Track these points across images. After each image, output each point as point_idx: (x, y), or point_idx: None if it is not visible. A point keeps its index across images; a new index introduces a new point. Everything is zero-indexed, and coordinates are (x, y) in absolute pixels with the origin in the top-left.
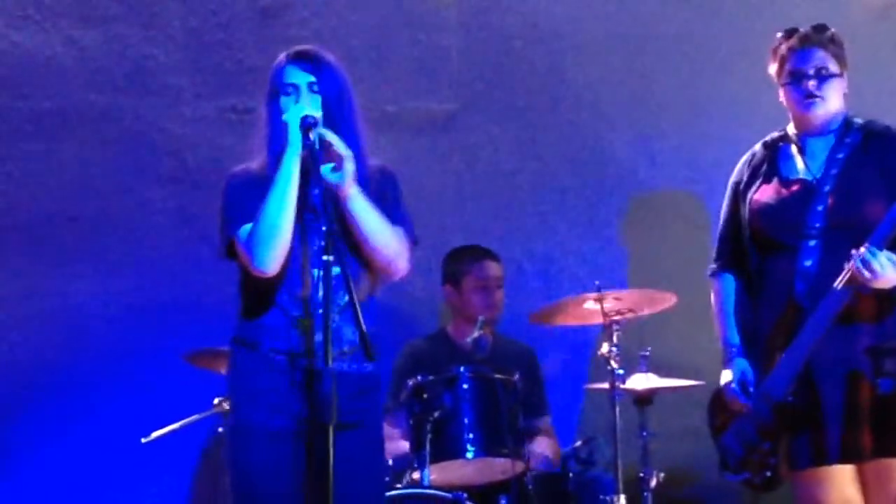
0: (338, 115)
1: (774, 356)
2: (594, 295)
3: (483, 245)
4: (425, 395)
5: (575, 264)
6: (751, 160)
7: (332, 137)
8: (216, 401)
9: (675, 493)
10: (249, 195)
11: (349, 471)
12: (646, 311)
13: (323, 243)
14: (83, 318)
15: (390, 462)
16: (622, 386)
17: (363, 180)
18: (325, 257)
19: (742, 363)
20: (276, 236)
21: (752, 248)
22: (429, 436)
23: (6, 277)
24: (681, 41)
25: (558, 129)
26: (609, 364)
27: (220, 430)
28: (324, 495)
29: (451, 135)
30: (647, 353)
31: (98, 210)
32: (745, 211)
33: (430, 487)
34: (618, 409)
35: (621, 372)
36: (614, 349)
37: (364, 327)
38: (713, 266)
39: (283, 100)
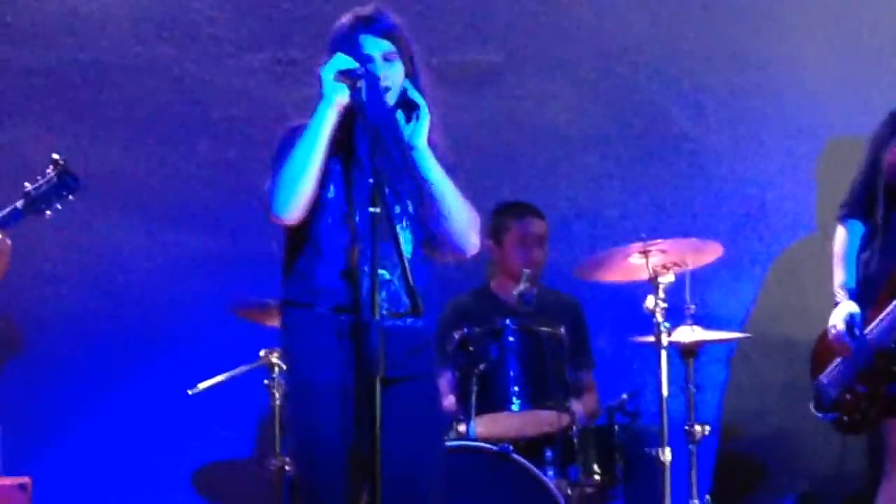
0: (415, 77)
1: (885, 304)
2: (639, 246)
3: (528, 200)
4: (471, 348)
5: (621, 218)
6: (888, 122)
7: (409, 87)
8: (262, 353)
9: (721, 446)
10: (288, 147)
11: (405, 425)
12: (691, 263)
13: (370, 196)
14: (131, 272)
15: None
16: (667, 339)
17: (433, 147)
18: (371, 209)
19: (852, 306)
20: (297, 183)
21: (883, 200)
22: (474, 388)
23: (55, 231)
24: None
25: (605, 82)
26: (654, 317)
27: (266, 382)
28: (373, 449)
29: (496, 88)
30: (693, 306)
31: (145, 162)
32: (884, 164)
33: (476, 440)
34: (663, 361)
35: (667, 325)
36: (660, 302)
37: (412, 281)
38: (842, 211)
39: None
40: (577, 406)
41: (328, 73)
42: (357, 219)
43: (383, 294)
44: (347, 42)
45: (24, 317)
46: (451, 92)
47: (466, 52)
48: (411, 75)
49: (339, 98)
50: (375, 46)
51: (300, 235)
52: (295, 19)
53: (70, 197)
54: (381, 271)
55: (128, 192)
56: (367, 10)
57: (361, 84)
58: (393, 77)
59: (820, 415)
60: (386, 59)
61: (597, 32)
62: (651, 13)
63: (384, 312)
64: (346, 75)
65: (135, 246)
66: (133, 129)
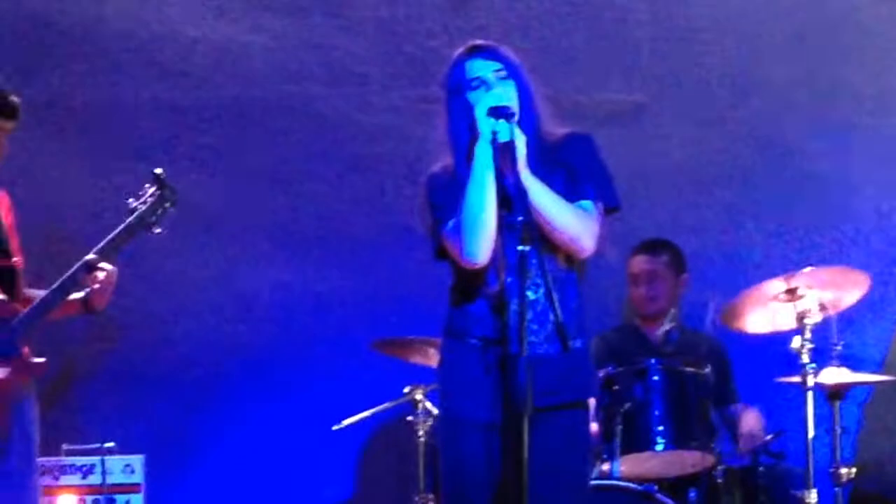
0: (522, 97)
1: None
2: (784, 277)
3: (670, 238)
4: (616, 387)
5: (762, 257)
6: None
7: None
8: (406, 389)
9: (867, 489)
10: (452, 195)
11: (552, 458)
12: (836, 298)
13: (519, 234)
14: (275, 306)
15: None
16: (813, 380)
17: (543, 159)
18: (519, 248)
19: None
20: (481, 226)
21: None
22: (619, 427)
23: (201, 264)
24: (873, 34)
25: (747, 122)
26: (800, 357)
27: (410, 418)
28: (519, 483)
29: (639, 126)
30: (839, 347)
31: (289, 198)
32: None
33: (619, 479)
34: (809, 403)
35: (813, 366)
36: (806, 342)
37: (560, 316)
38: None
39: (471, 94)
40: (721, 446)
41: (481, 111)
42: (506, 254)
43: (530, 315)
44: (458, 70)
45: (166, 350)
46: (594, 129)
47: (610, 92)
48: (524, 97)
49: (494, 135)
50: (485, 68)
51: (463, 269)
52: (440, 58)
53: (171, 209)
54: (526, 292)
55: (271, 227)
56: (475, 41)
57: (509, 123)
58: (508, 93)
59: None
60: (498, 77)
61: (738, 72)
62: (788, 50)
63: (532, 338)
64: (496, 113)
65: (277, 280)
66: (277, 166)
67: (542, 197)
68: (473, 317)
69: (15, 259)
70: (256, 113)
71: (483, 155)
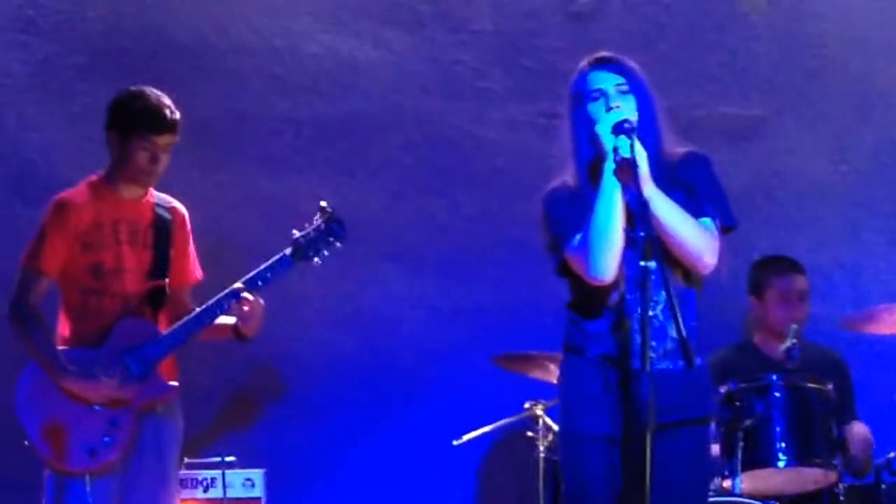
0: (644, 113)
1: None
2: None
3: (790, 254)
4: (737, 403)
5: (885, 273)
6: None
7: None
8: (527, 404)
9: None
10: (573, 211)
11: (673, 474)
12: None
13: (641, 249)
14: (392, 320)
15: None
16: None
17: (663, 177)
18: (642, 263)
19: None
20: (609, 243)
21: None
22: (740, 444)
23: (318, 279)
24: None
25: (869, 136)
26: None
27: (530, 434)
28: (642, 499)
29: (760, 141)
30: None
31: (409, 212)
32: None
33: (741, 496)
34: None
35: None
36: None
37: (683, 332)
38: None
39: (592, 106)
40: (844, 463)
41: (604, 128)
42: (627, 269)
43: (650, 331)
44: (581, 81)
45: (286, 362)
46: (714, 143)
47: (730, 106)
48: (646, 112)
49: (616, 150)
50: (608, 80)
51: (587, 285)
52: (559, 72)
53: (338, 244)
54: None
55: (390, 241)
56: (601, 53)
57: (630, 138)
58: (629, 107)
59: None
60: (619, 91)
61: (861, 86)
62: None
63: (652, 355)
64: (618, 129)
65: (396, 294)
66: (397, 180)
67: (668, 210)
68: (593, 332)
69: (167, 280)
70: (376, 128)
71: (611, 172)
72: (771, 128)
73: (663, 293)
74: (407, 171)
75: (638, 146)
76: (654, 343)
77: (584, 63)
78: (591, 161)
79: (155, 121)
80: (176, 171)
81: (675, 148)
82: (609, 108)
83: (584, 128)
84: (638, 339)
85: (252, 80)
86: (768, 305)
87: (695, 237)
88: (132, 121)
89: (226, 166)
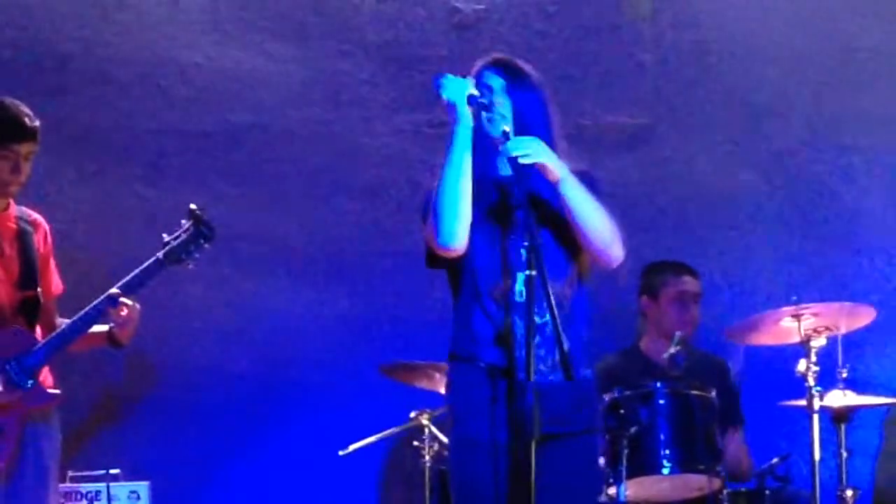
0: (531, 120)
1: None
2: (791, 309)
3: (686, 263)
4: (622, 411)
5: (769, 280)
6: None
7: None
8: (413, 414)
9: None
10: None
11: (560, 485)
12: (843, 328)
13: (524, 258)
14: (278, 329)
15: None
16: (819, 403)
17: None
18: (527, 272)
19: None
20: (454, 207)
21: None
22: (625, 451)
23: (212, 289)
24: (880, 55)
25: (753, 143)
26: (806, 381)
27: (416, 443)
28: None
29: (646, 149)
30: (845, 370)
31: (294, 222)
32: None
33: (626, 503)
34: (815, 426)
35: (818, 389)
36: (812, 366)
37: (566, 346)
38: None
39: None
40: (727, 469)
41: (455, 95)
42: (512, 279)
43: (538, 339)
44: (475, 77)
45: (172, 373)
46: (601, 151)
47: (616, 114)
48: (534, 120)
49: (469, 115)
50: (496, 80)
51: (460, 284)
52: None
53: (206, 245)
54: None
55: (275, 251)
56: (502, 54)
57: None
58: (506, 113)
59: None
60: (504, 91)
61: (744, 94)
62: (800, 75)
63: (541, 366)
64: (472, 103)
65: (285, 304)
66: (284, 190)
67: (579, 194)
68: (479, 341)
69: (39, 289)
70: (262, 138)
71: (461, 136)
72: (656, 135)
73: (547, 308)
74: (294, 181)
75: (545, 149)
76: (542, 352)
77: (480, 61)
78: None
79: (16, 130)
80: (58, 181)
81: (570, 159)
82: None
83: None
84: (523, 348)
85: (137, 90)
86: (662, 306)
87: (605, 226)
88: None
89: (110, 176)
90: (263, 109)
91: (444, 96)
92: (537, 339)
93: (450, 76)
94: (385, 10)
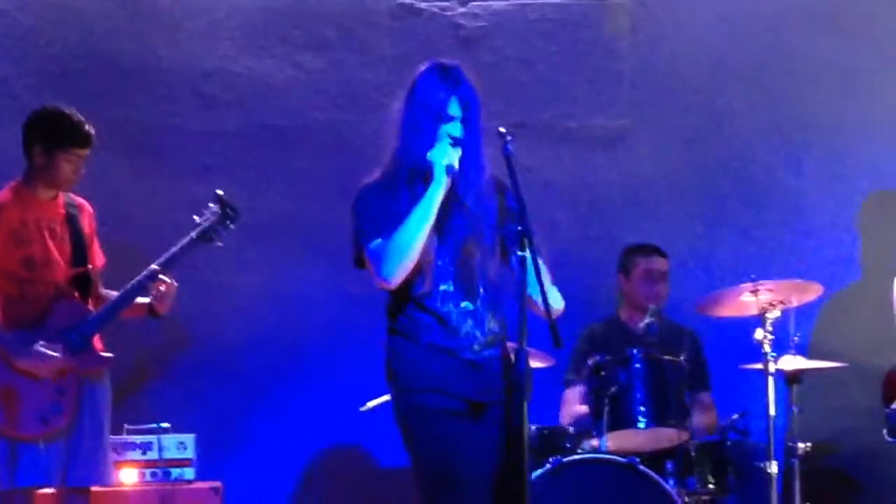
0: (469, 125)
1: None
2: (749, 286)
3: (657, 245)
4: (603, 373)
5: (731, 260)
6: None
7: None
8: None
9: (820, 462)
10: (380, 208)
11: (502, 440)
12: (794, 301)
13: (518, 242)
14: (311, 304)
15: (571, 430)
16: (774, 366)
17: (482, 186)
18: (519, 253)
19: None
20: (406, 257)
21: None
22: (606, 408)
23: (247, 270)
24: (827, 66)
25: (719, 144)
26: (763, 347)
27: None
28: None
29: (623, 147)
30: (797, 338)
31: (321, 210)
32: None
33: (607, 453)
34: (770, 387)
35: (773, 354)
36: (767, 334)
37: (495, 326)
38: None
39: (444, 127)
40: (698, 420)
41: (438, 160)
42: (444, 275)
43: (470, 322)
44: (423, 85)
45: (219, 342)
46: (584, 149)
47: (598, 118)
48: (470, 125)
49: (447, 182)
50: (457, 108)
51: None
52: None
53: (232, 225)
54: (465, 303)
55: (302, 236)
56: (448, 61)
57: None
58: (459, 129)
59: (893, 440)
60: (463, 116)
61: (711, 100)
62: (756, 83)
63: (475, 347)
64: (449, 172)
65: (314, 282)
66: (309, 183)
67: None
68: (420, 322)
69: (90, 266)
70: (293, 137)
71: (431, 200)
72: (633, 136)
73: (481, 288)
74: (318, 175)
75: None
76: (477, 333)
77: (426, 66)
78: (415, 166)
79: (79, 137)
80: (114, 177)
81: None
82: (455, 143)
83: (425, 138)
84: (462, 329)
85: (185, 97)
86: (633, 282)
87: None
88: (58, 137)
89: (161, 172)
90: (293, 113)
91: (428, 156)
92: (470, 321)
93: (442, 138)
94: (399, 26)
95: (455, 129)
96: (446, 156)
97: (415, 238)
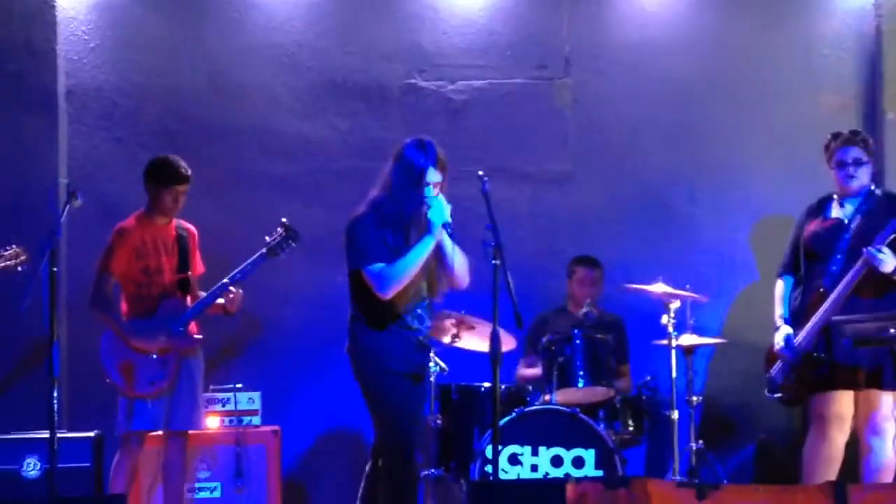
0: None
1: (803, 323)
2: (658, 285)
3: (592, 255)
4: (553, 348)
5: (643, 265)
6: (808, 210)
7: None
8: None
9: (708, 410)
10: (379, 237)
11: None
12: (689, 296)
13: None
14: (345, 302)
15: (529, 388)
16: (675, 342)
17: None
18: (494, 262)
19: (788, 329)
20: (403, 283)
21: (804, 263)
22: (555, 373)
23: (298, 276)
24: (720, 124)
25: (637, 182)
26: (667, 328)
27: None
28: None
29: (568, 185)
30: (692, 321)
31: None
32: (803, 238)
33: (556, 405)
34: (672, 357)
35: (675, 333)
36: (671, 319)
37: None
38: (779, 270)
39: (429, 189)
40: (619, 384)
41: (437, 220)
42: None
43: (426, 319)
44: (419, 156)
45: (277, 329)
46: (539, 189)
47: (548, 163)
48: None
49: (439, 234)
50: (435, 177)
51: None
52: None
53: (294, 244)
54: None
55: (340, 250)
56: (436, 149)
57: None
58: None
59: (770, 395)
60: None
61: (629, 144)
62: (662, 135)
63: (421, 338)
64: (446, 227)
65: (344, 283)
66: (337, 208)
67: (451, 248)
68: (389, 311)
69: (190, 273)
70: (324, 177)
71: (426, 247)
72: (574, 177)
73: (427, 300)
74: (342, 202)
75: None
76: (428, 323)
77: (417, 143)
78: (411, 213)
79: (178, 176)
80: (198, 204)
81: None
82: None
83: (416, 194)
84: (419, 323)
85: (253, 149)
86: (574, 284)
87: (463, 264)
88: (164, 178)
89: (231, 200)
90: (326, 159)
91: (429, 215)
92: (426, 317)
93: (437, 200)
94: (406, 99)
95: (433, 197)
96: (443, 216)
97: (411, 272)
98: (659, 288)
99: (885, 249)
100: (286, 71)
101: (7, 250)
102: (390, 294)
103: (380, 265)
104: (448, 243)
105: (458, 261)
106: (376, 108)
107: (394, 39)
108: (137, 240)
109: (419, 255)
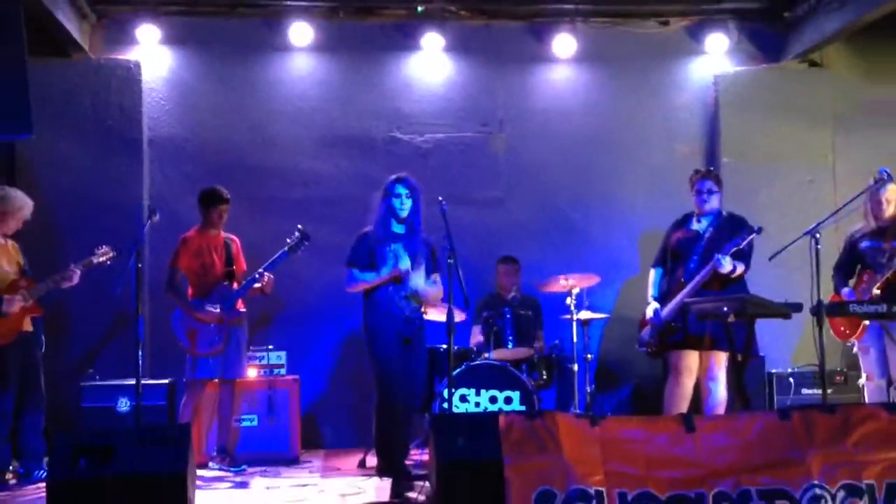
0: (414, 209)
1: (668, 302)
2: (562, 276)
3: (514, 255)
4: (490, 321)
5: (544, 262)
6: (674, 223)
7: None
8: None
9: (599, 364)
10: (366, 250)
11: (417, 352)
12: (586, 284)
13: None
14: (333, 287)
15: (474, 349)
16: (576, 316)
17: (421, 248)
18: (450, 260)
19: (656, 304)
20: (357, 289)
21: (670, 258)
22: (492, 338)
23: (314, 269)
24: (605, 165)
25: (547, 202)
26: (570, 307)
27: None
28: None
29: (500, 208)
30: (587, 302)
31: (346, 237)
32: (670, 243)
33: (493, 360)
34: (574, 328)
35: (575, 310)
36: (573, 300)
37: (414, 305)
38: (653, 262)
39: (395, 201)
40: (536, 346)
41: (403, 266)
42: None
43: (413, 304)
44: (392, 186)
45: (299, 305)
46: (475, 212)
47: (484, 191)
48: (416, 208)
49: (396, 273)
50: (403, 191)
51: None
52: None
53: (307, 244)
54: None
55: (338, 251)
56: (403, 174)
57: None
58: (408, 207)
59: (640, 348)
60: (407, 196)
61: (550, 178)
62: (576, 173)
63: (407, 313)
64: (403, 274)
65: (333, 274)
66: (337, 224)
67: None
68: (385, 294)
69: (234, 268)
70: (331, 203)
71: (385, 274)
72: (504, 202)
73: (412, 288)
74: (349, 222)
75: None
76: (414, 306)
77: (394, 177)
78: (381, 238)
79: (221, 199)
80: (242, 222)
81: (426, 231)
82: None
83: (389, 213)
84: (407, 303)
85: (275, 180)
86: (501, 276)
87: (432, 290)
88: (211, 200)
89: (267, 220)
90: (333, 189)
91: (398, 264)
92: (413, 298)
93: (405, 258)
94: (388, 147)
95: (403, 205)
96: (404, 265)
97: (367, 286)
98: (563, 279)
99: (727, 258)
100: (303, 126)
101: (100, 249)
102: (350, 291)
103: (353, 269)
104: (420, 282)
105: (431, 293)
106: (367, 153)
107: (380, 104)
108: (196, 245)
109: (373, 278)
